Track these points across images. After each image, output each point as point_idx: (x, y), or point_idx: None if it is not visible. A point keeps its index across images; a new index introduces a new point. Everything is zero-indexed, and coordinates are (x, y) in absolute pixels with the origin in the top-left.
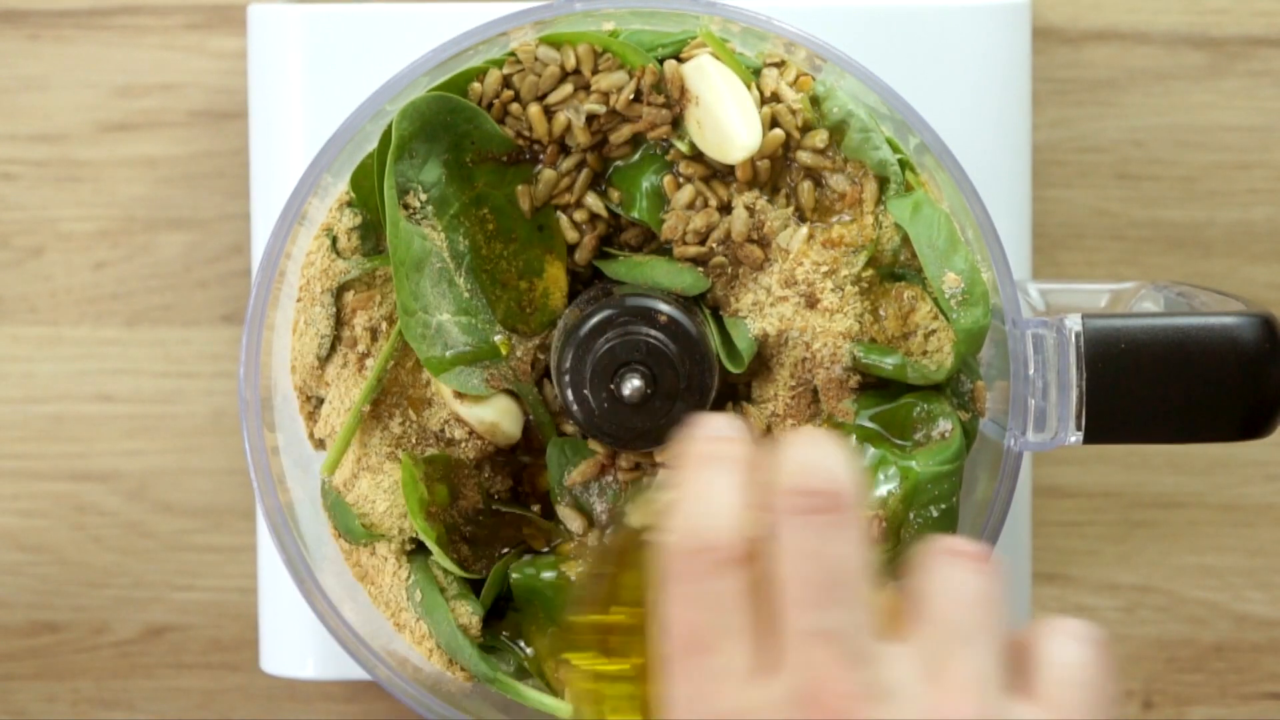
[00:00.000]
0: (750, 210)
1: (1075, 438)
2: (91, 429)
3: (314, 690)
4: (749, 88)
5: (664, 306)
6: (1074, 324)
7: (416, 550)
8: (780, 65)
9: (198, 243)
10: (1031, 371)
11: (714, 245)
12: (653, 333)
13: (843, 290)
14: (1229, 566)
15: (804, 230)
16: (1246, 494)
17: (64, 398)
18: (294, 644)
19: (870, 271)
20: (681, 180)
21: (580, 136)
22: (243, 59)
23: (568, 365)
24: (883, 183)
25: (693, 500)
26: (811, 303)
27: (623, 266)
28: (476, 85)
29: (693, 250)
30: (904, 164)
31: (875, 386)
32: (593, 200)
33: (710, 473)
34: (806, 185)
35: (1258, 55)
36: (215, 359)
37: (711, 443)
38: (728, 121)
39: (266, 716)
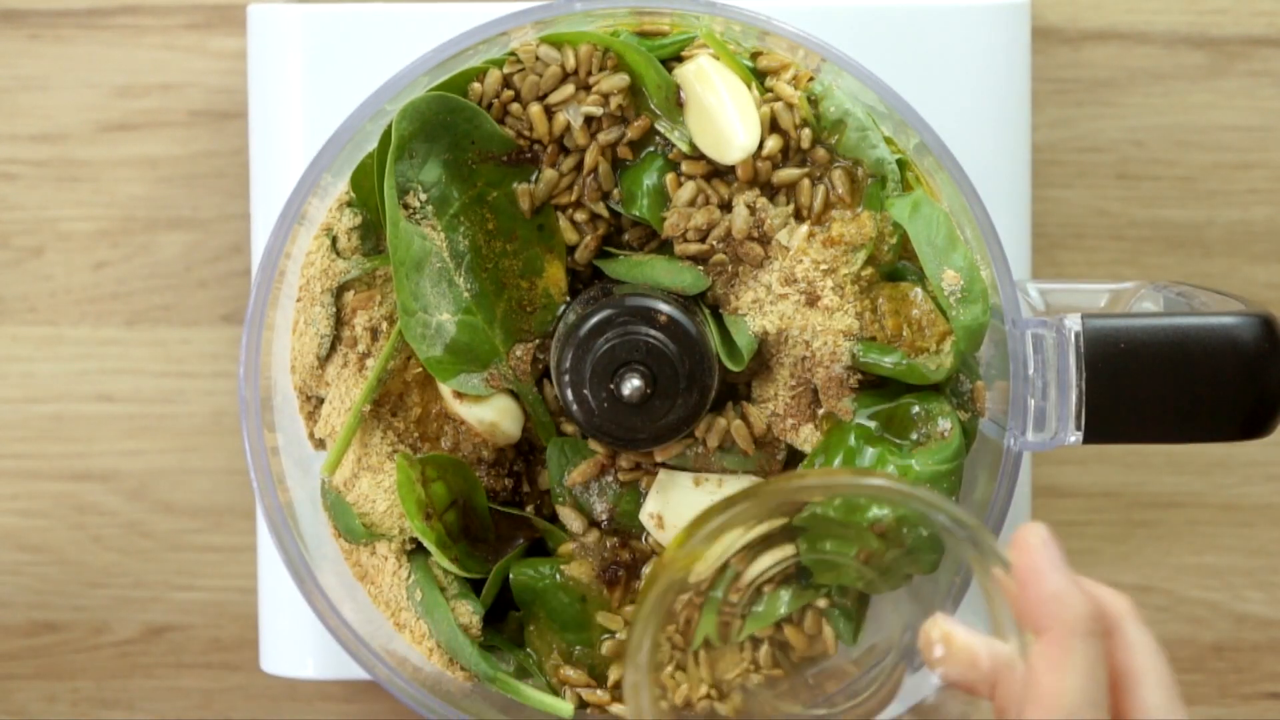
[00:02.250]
0: (751, 208)
1: (1075, 438)
2: (91, 429)
3: (314, 690)
4: (749, 88)
5: (663, 306)
6: (1074, 324)
7: (417, 550)
8: (780, 65)
9: (198, 243)
10: (1031, 371)
11: (714, 243)
12: (652, 333)
13: (842, 289)
14: (1229, 566)
15: (804, 229)
16: (1246, 494)
17: (64, 398)
18: (294, 644)
19: (870, 270)
20: (683, 178)
21: (580, 137)
22: (243, 59)
23: (567, 365)
24: (881, 181)
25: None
26: (811, 301)
27: (623, 266)
28: (476, 85)
29: (694, 248)
30: (903, 164)
31: (875, 385)
32: (592, 200)
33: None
34: (805, 184)
35: (1257, 55)
36: (215, 359)
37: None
38: (726, 123)
39: (266, 716)
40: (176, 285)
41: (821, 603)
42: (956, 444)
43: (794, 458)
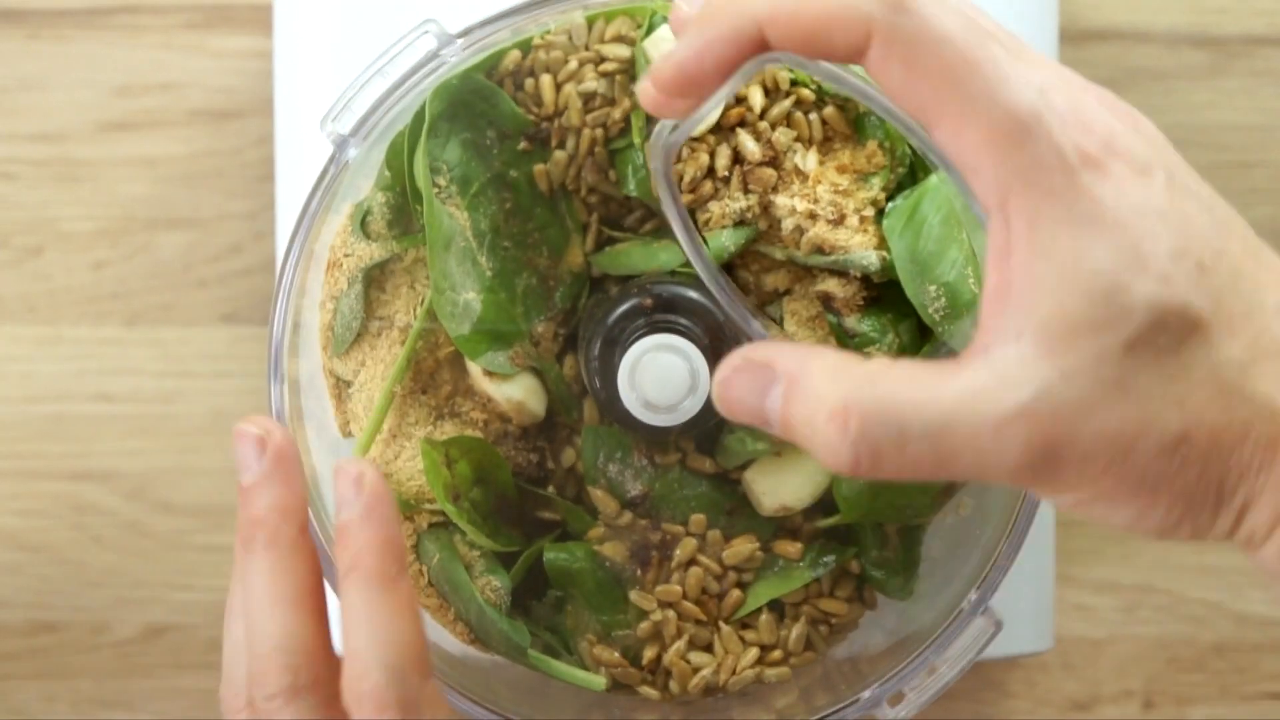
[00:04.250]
0: (756, 135)
1: None
2: (91, 429)
3: None
4: None
5: (691, 293)
6: None
7: (442, 527)
8: None
9: (198, 243)
10: None
11: (715, 182)
12: (681, 320)
13: (861, 212)
14: (1229, 566)
15: (813, 153)
16: None
17: (64, 398)
18: None
19: (883, 197)
20: None
21: (574, 116)
22: (242, 58)
23: (595, 354)
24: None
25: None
26: (838, 223)
27: (606, 258)
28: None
29: (688, 198)
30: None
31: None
32: (594, 180)
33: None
34: (798, 115)
35: (1258, 55)
36: (215, 359)
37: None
38: None
39: None
40: (176, 285)
41: (854, 566)
42: None
43: None
